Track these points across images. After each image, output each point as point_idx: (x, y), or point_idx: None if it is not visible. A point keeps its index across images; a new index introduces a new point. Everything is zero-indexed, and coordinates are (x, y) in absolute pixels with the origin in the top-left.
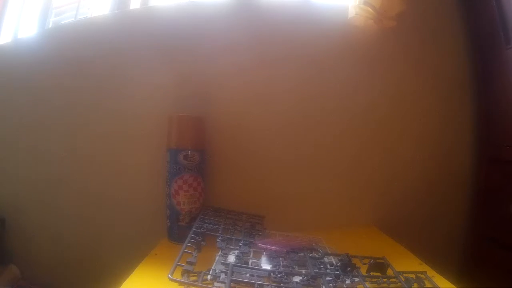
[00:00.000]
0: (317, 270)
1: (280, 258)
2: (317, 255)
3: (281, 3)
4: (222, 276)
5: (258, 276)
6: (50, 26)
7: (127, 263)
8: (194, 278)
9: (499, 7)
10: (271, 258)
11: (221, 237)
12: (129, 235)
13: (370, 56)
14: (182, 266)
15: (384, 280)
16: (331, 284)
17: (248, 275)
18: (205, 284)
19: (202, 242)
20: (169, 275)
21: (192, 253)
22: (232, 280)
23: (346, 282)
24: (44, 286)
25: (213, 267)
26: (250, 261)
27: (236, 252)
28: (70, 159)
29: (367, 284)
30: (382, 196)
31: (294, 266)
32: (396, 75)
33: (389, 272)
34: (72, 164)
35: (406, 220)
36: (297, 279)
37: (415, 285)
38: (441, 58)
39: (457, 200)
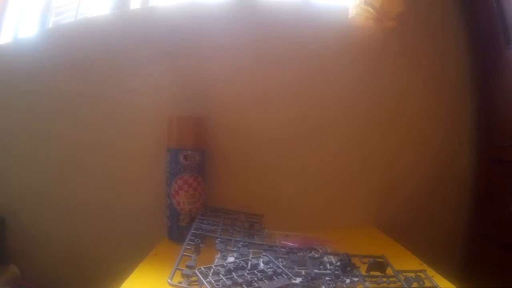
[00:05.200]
0: (317, 270)
1: (280, 259)
2: (316, 255)
3: (281, 3)
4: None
5: (257, 278)
6: (50, 26)
7: (127, 263)
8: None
9: (499, 7)
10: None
11: (220, 238)
12: (129, 235)
13: (370, 56)
14: (182, 270)
15: (384, 279)
16: (330, 284)
17: (248, 277)
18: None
19: (200, 245)
20: (169, 280)
21: (191, 256)
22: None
23: (346, 282)
24: (44, 286)
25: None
26: (249, 262)
27: (235, 254)
28: (70, 159)
29: (367, 284)
30: (382, 196)
31: (293, 267)
32: (396, 75)
33: (389, 271)
34: (72, 164)
35: (406, 219)
36: (297, 280)
37: (414, 284)
38: (441, 58)
39: (458, 200)
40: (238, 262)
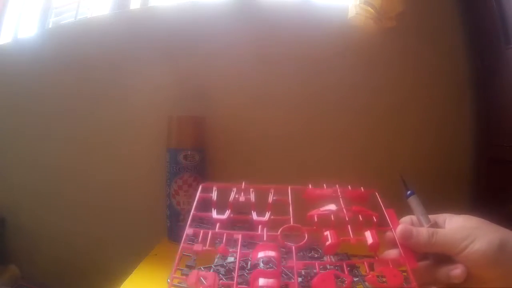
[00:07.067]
0: (316, 270)
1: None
2: (316, 255)
3: (281, 3)
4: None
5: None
6: (50, 26)
7: (127, 263)
8: None
9: (499, 7)
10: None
11: (220, 238)
12: (129, 235)
13: (370, 56)
14: (181, 270)
15: (384, 279)
16: None
17: (248, 277)
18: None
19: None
20: (168, 280)
21: (191, 255)
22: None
23: (346, 282)
24: (44, 286)
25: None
26: (249, 262)
27: (235, 254)
28: (70, 159)
29: (367, 284)
30: (381, 194)
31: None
32: (395, 75)
33: None
34: (72, 164)
35: None
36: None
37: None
38: (441, 58)
39: (457, 201)
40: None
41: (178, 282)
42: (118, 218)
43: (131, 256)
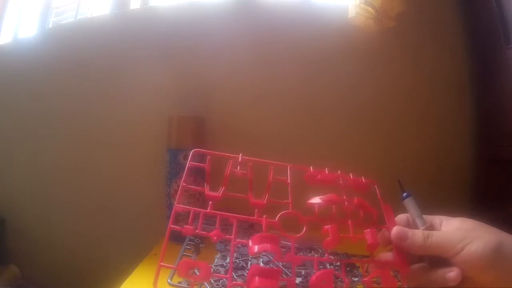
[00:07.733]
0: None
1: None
2: (316, 255)
3: (281, 3)
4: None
5: None
6: (50, 26)
7: (127, 263)
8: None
9: (499, 7)
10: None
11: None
12: (129, 235)
13: (370, 56)
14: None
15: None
16: None
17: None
18: None
19: (201, 245)
20: (169, 280)
21: (191, 256)
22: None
23: (344, 284)
24: (44, 286)
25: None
26: (249, 262)
27: (235, 254)
28: (70, 159)
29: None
30: (381, 194)
31: None
32: (395, 75)
33: None
34: (72, 164)
35: None
36: (297, 280)
37: None
38: (441, 58)
39: (456, 201)
40: (238, 262)
41: (178, 282)
42: (118, 218)
43: (131, 256)
